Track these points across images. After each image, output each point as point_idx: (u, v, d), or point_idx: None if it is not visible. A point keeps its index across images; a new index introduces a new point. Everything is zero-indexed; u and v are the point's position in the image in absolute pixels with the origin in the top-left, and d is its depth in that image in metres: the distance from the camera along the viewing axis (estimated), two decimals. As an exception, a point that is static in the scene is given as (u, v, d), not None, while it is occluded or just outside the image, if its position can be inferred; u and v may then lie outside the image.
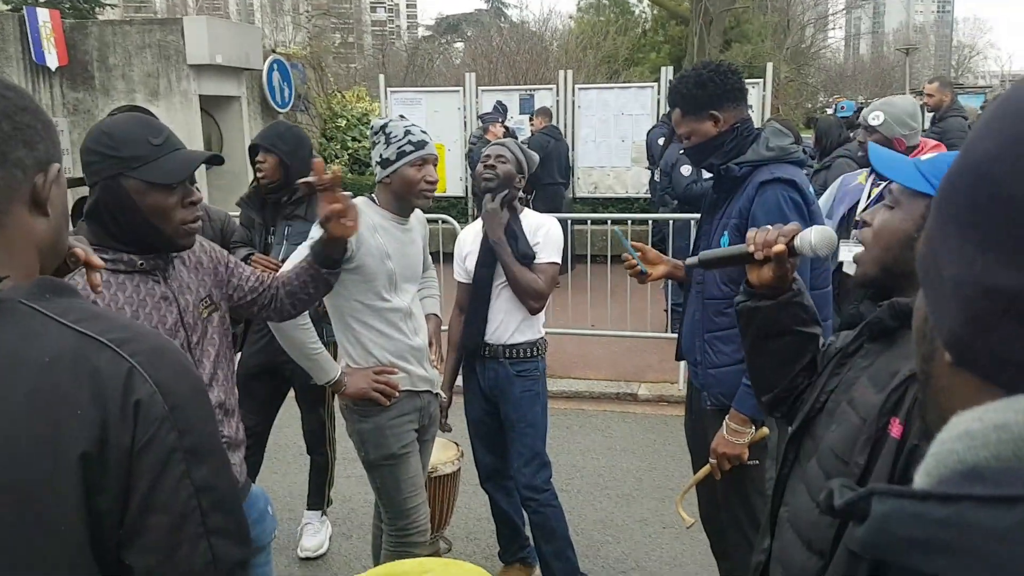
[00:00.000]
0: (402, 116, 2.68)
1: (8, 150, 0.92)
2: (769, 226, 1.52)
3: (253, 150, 3.30)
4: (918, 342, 0.55)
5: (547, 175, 8.44)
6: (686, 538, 3.69)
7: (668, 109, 8.78)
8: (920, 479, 0.48)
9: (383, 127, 2.59)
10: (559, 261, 2.96)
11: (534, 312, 2.95)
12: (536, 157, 3.05)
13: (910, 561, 0.44)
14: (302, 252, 2.36)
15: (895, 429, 1.19)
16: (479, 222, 3.09)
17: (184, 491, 0.93)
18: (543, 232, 2.96)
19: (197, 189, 1.84)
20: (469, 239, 3.12)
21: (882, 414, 1.22)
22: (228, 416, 1.95)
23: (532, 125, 8.79)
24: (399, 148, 2.55)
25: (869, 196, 3.39)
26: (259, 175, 3.30)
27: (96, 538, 0.89)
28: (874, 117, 3.56)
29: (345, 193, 2.05)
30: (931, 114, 6.36)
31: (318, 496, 3.74)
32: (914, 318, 0.55)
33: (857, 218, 1.47)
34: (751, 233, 1.53)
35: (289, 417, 3.83)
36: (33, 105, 0.97)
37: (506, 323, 2.98)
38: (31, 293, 0.92)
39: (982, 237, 0.46)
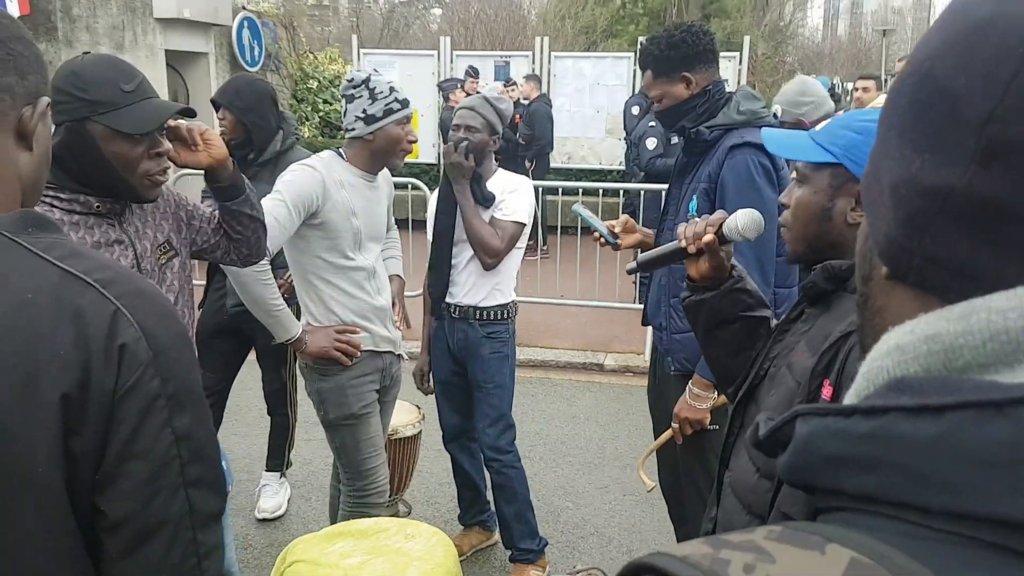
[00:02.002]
0: (376, 70, 2.60)
1: (1, 73, 0.89)
2: (697, 218, 1.54)
3: (215, 106, 3.22)
4: (859, 265, 0.53)
5: (549, 145, 8.48)
6: (645, 505, 3.72)
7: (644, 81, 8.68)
8: (848, 399, 0.46)
9: (365, 81, 2.52)
10: (525, 223, 2.92)
11: (487, 267, 2.89)
12: (510, 105, 2.96)
13: (834, 481, 0.42)
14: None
15: (826, 391, 1.21)
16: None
17: (165, 439, 0.90)
18: (514, 192, 2.92)
19: (165, 139, 1.77)
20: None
21: (814, 376, 1.23)
22: None
23: (521, 92, 8.69)
24: (386, 105, 2.51)
25: None
26: (220, 131, 3.21)
27: (70, 483, 0.86)
28: (775, 112, 3.68)
29: (180, 122, 1.89)
30: None
31: (278, 458, 3.71)
32: (857, 243, 0.54)
33: (779, 201, 1.47)
34: (680, 228, 1.54)
35: (250, 378, 3.78)
36: (27, 36, 0.94)
37: (477, 285, 2.95)
38: (13, 225, 0.89)
39: (920, 136, 0.44)
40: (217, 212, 2.05)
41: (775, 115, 3.63)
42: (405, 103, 2.56)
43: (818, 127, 1.39)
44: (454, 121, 2.90)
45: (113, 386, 0.87)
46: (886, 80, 6.81)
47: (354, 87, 2.53)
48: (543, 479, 3.93)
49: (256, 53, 9.99)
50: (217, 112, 3.20)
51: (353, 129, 2.53)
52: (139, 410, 0.88)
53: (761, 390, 1.44)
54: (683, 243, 1.52)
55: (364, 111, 2.50)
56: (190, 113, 1.85)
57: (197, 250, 2.01)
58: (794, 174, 1.40)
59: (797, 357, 1.34)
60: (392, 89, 2.54)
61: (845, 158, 1.29)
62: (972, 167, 0.41)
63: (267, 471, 3.72)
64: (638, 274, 1.80)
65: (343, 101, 2.57)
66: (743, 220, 1.47)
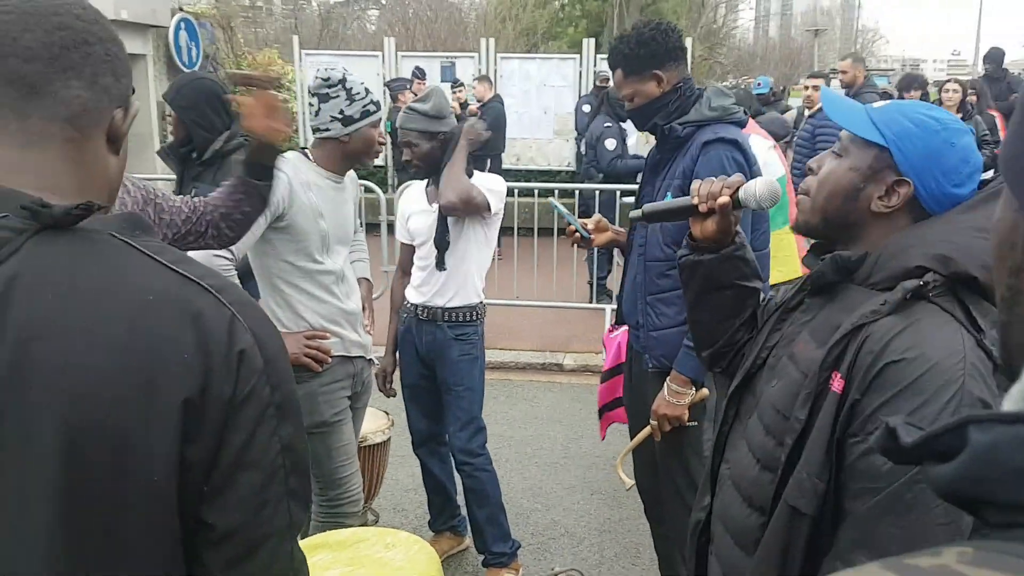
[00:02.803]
0: (347, 69, 2.54)
1: (99, 73, 0.89)
2: (713, 178, 1.50)
3: (166, 105, 3.17)
4: (1003, 255, 0.49)
5: (503, 145, 8.43)
6: (614, 504, 3.72)
7: (595, 81, 8.75)
8: (1012, 405, 0.43)
9: (342, 81, 2.47)
10: (491, 207, 2.87)
11: (445, 209, 2.81)
12: (435, 97, 2.89)
13: (1017, 494, 0.40)
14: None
15: (836, 383, 1.19)
16: (420, 183, 3.02)
17: (273, 449, 0.89)
18: (494, 181, 2.94)
19: None
20: (412, 199, 3.03)
21: (823, 368, 1.21)
22: None
23: (475, 93, 8.63)
24: (364, 107, 2.47)
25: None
26: (170, 131, 3.19)
27: (180, 492, 0.84)
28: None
29: (270, 92, 1.97)
30: (844, 90, 6.53)
31: None
32: (997, 232, 0.50)
33: (808, 164, 1.44)
34: (695, 185, 1.50)
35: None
36: (121, 41, 0.94)
37: (445, 286, 2.91)
38: (122, 227, 0.86)
39: None
40: (187, 200, 1.98)
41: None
42: (379, 105, 2.54)
43: (876, 104, 1.35)
44: (400, 139, 2.91)
45: (232, 393, 0.85)
46: (829, 77, 6.98)
47: (330, 87, 2.46)
48: (510, 481, 3.90)
49: (194, 54, 9.73)
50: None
51: (328, 130, 2.47)
52: (253, 418, 0.87)
53: (758, 380, 1.43)
54: (695, 200, 1.48)
55: (341, 112, 2.45)
56: None
57: (168, 243, 1.93)
58: (836, 144, 1.36)
59: (800, 348, 1.33)
60: (367, 91, 2.51)
61: (894, 144, 1.25)
62: None
63: None
64: (640, 220, 1.74)
65: (314, 100, 2.50)
66: (761, 188, 1.44)
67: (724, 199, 1.45)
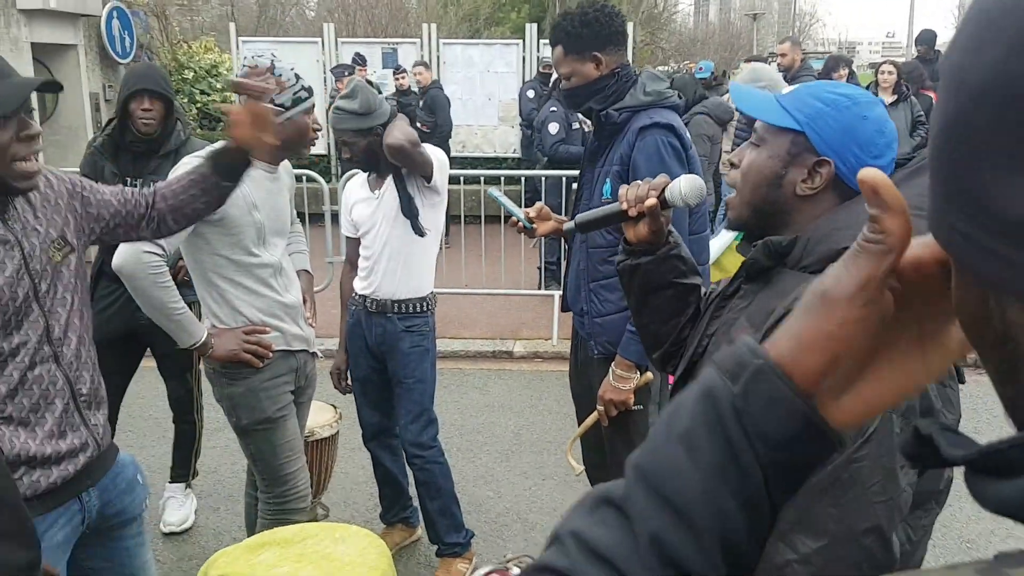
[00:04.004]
0: (275, 55, 2.48)
1: None
2: (639, 181, 1.51)
3: (132, 96, 3.02)
4: (981, 333, 0.44)
5: (449, 128, 8.35)
6: (565, 488, 3.74)
7: (539, 67, 8.70)
8: None
9: (270, 69, 2.39)
10: (434, 172, 2.81)
11: (390, 151, 2.69)
12: (359, 91, 2.83)
13: None
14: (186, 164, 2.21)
15: None
16: (362, 175, 2.97)
17: None
18: (434, 153, 2.85)
19: (34, 121, 1.62)
20: (355, 190, 2.97)
21: None
22: (86, 370, 1.76)
23: (416, 79, 8.52)
24: (295, 94, 2.40)
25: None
26: (144, 122, 3.04)
27: None
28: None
29: (264, 105, 1.93)
30: (783, 73, 6.64)
31: (183, 467, 3.52)
32: (964, 313, 0.46)
33: (726, 160, 1.46)
34: (622, 191, 1.51)
35: (142, 385, 3.57)
36: None
37: (393, 277, 2.87)
38: None
39: None
40: (118, 190, 1.90)
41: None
42: (310, 91, 2.47)
43: (784, 91, 1.36)
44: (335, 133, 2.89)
45: None
46: (768, 60, 7.08)
47: (257, 76, 2.39)
48: (462, 470, 3.89)
49: (128, 44, 9.43)
50: (133, 102, 3.03)
51: None
52: None
53: (700, 368, 1.44)
54: (624, 206, 1.49)
55: (271, 101, 2.37)
56: (54, 87, 1.74)
57: (95, 238, 1.86)
58: (752, 135, 1.37)
59: (738, 334, 1.34)
60: (298, 77, 2.44)
61: (808, 127, 1.27)
62: None
63: (171, 482, 3.52)
64: (572, 233, 1.75)
65: None
66: (687, 186, 1.44)
67: (651, 201, 1.46)
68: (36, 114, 1.67)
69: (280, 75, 2.39)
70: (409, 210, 2.82)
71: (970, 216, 0.40)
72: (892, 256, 0.48)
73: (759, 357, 0.52)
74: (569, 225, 1.70)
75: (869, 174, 0.48)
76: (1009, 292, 0.40)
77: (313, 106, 2.48)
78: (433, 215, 2.91)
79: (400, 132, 2.69)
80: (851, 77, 7.56)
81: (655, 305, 1.58)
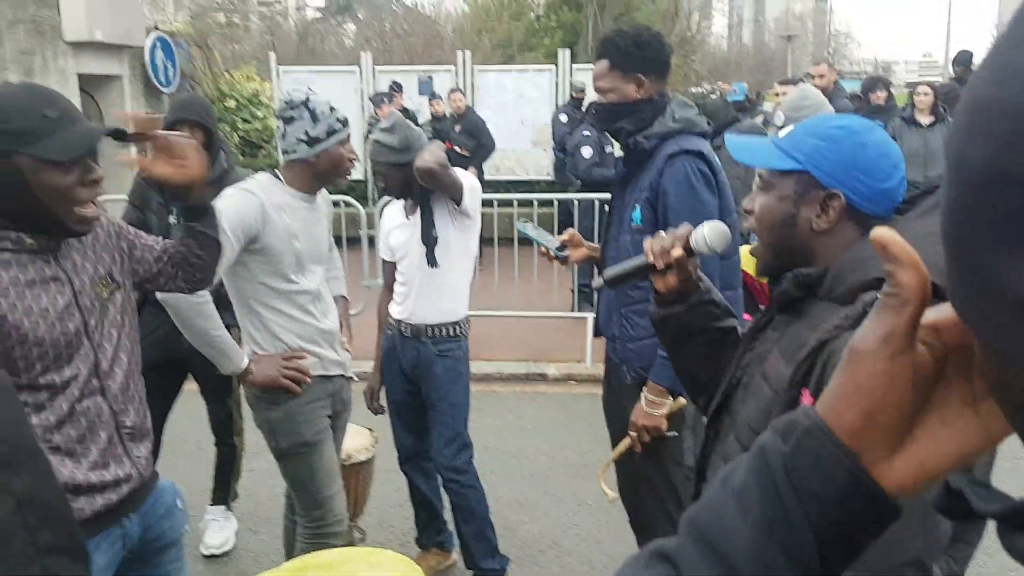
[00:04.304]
0: (311, 89, 2.55)
1: None
2: (663, 232, 1.52)
3: (173, 126, 3.10)
4: (1002, 397, 0.45)
5: (492, 145, 8.53)
6: (601, 515, 3.72)
7: (571, 92, 8.71)
8: None
9: (305, 102, 2.46)
10: (464, 197, 2.85)
11: (420, 172, 2.73)
12: (395, 124, 2.91)
13: None
14: None
15: (806, 400, 1.19)
16: (399, 201, 3.02)
17: (5, 508, 0.79)
18: (465, 178, 2.89)
19: (98, 166, 1.69)
20: (393, 215, 3.03)
21: (792, 385, 1.22)
22: (131, 403, 1.81)
23: (452, 104, 8.65)
24: (329, 126, 2.46)
25: None
26: None
27: None
28: (777, 119, 3.77)
29: (163, 133, 1.86)
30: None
31: (223, 490, 3.58)
32: (984, 376, 0.47)
33: (743, 207, 1.47)
34: (647, 243, 1.52)
35: (183, 409, 3.64)
36: None
37: (428, 301, 2.91)
38: None
39: None
40: (160, 240, 1.96)
41: (775, 123, 3.68)
42: (345, 122, 2.53)
43: (781, 133, 1.38)
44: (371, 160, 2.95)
45: None
46: (798, 82, 7.05)
47: (293, 109, 2.46)
48: (496, 494, 3.89)
49: (170, 74, 9.70)
50: (174, 130, 3.09)
51: (295, 152, 2.47)
52: None
53: (735, 400, 1.44)
54: (650, 258, 1.50)
55: (306, 133, 2.44)
56: (120, 135, 1.78)
57: (138, 280, 1.92)
58: (757, 180, 1.40)
59: (771, 366, 1.33)
60: (332, 109, 2.49)
61: (810, 164, 1.28)
62: None
63: (211, 504, 3.58)
64: (601, 289, 1.78)
65: (280, 123, 2.51)
66: (710, 233, 1.46)
67: (677, 252, 1.47)
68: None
69: (315, 108, 2.46)
70: (428, 239, 2.88)
71: (980, 292, 0.41)
72: (910, 308, 0.49)
73: (809, 416, 0.53)
74: (598, 281, 1.72)
75: (878, 232, 0.49)
76: (1016, 365, 0.40)
77: (348, 136, 2.53)
78: (465, 239, 2.95)
79: (430, 155, 2.74)
80: (890, 98, 7.51)
81: (692, 351, 1.58)
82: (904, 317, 0.49)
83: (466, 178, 2.88)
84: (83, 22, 8.18)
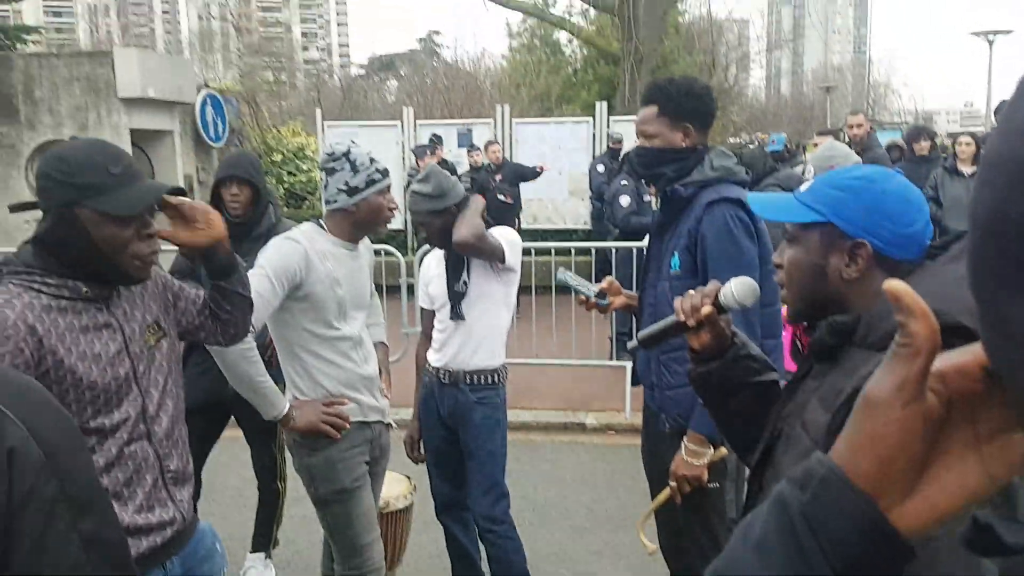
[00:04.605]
0: (354, 142, 2.63)
1: None
2: (692, 291, 1.53)
3: (222, 182, 3.23)
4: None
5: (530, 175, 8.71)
6: (640, 569, 3.65)
7: (608, 142, 8.80)
8: None
9: (346, 154, 2.54)
10: (505, 255, 2.89)
11: (458, 247, 2.82)
12: (431, 174, 2.98)
13: None
14: None
15: None
16: (438, 252, 3.06)
17: (72, 547, 0.81)
18: (508, 234, 2.95)
19: (155, 221, 1.76)
20: (432, 265, 3.08)
21: (829, 434, 1.20)
22: (175, 449, 1.85)
23: (489, 156, 8.83)
24: (368, 176, 2.52)
25: None
26: (232, 206, 3.22)
27: None
28: (807, 171, 3.79)
29: (184, 199, 1.89)
30: (854, 147, 6.60)
31: (264, 536, 3.59)
32: (1015, 410, 0.50)
33: (773, 262, 1.49)
34: (677, 303, 1.53)
35: (225, 455, 3.68)
36: None
37: (466, 349, 2.93)
38: None
39: None
40: (202, 293, 2.02)
41: (806, 177, 3.73)
42: (385, 173, 2.58)
43: (802, 187, 1.39)
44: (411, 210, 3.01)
45: (7, 497, 0.77)
46: (840, 132, 7.05)
47: (334, 160, 2.54)
48: (534, 546, 3.84)
49: (220, 129, 10.02)
50: (223, 187, 3.22)
51: (335, 201, 2.53)
52: (40, 518, 0.79)
53: (776, 451, 1.43)
54: (682, 317, 1.51)
55: (346, 183, 2.51)
56: (180, 192, 1.84)
57: (181, 331, 1.98)
58: (784, 233, 1.40)
59: (811, 415, 1.33)
60: (372, 160, 2.56)
61: (833, 215, 1.29)
62: None
63: (252, 552, 3.59)
64: (638, 350, 1.79)
65: (323, 174, 2.59)
66: (739, 288, 1.47)
67: (707, 309, 1.49)
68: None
69: (356, 159, 2.52)
70: (452, 293, 2.91)
71: (997, 332, 0.44)
72: (922, 358, 0.51)
73: (824, 465, 0.55)
74: (632, 344, 1.73)
75: (890, 285, 0.52)
76: None
77: (388, 187, 2.58)
78: (506, 291, 2.99)
79: (467, 228, 2.80)
80: (933, 148, 7.45)
81: (735, 407, 1.58)
82: (916, 366, 0.51)
83: (505, 235, 2.93)
84: (136, 79, 8.51)
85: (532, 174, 8.86)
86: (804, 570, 0.53)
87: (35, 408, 0.83)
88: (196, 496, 3.40)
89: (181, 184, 9.18)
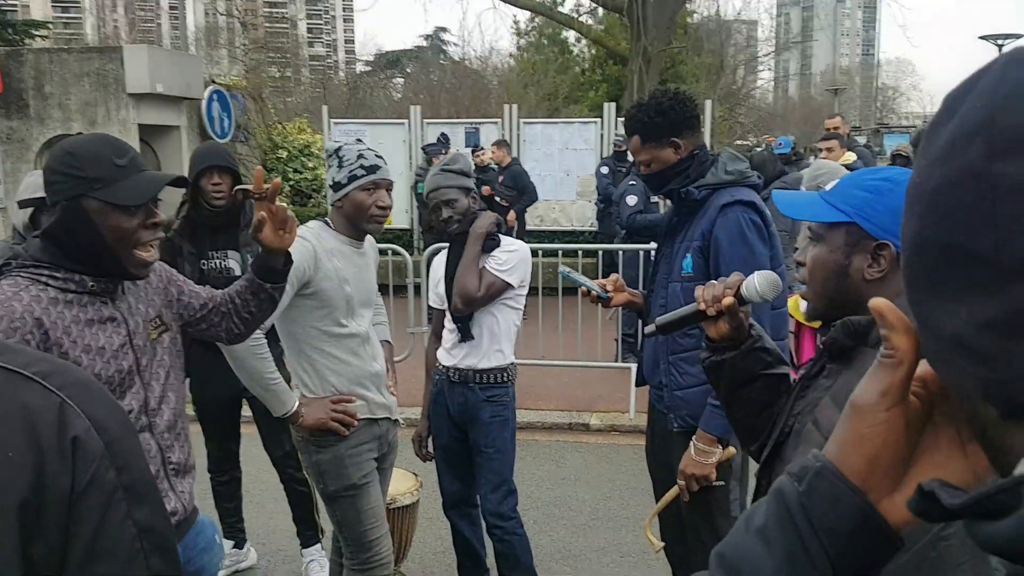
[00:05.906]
0: (359, 140, 2.64)
1: None
2: (715, 281, 1.56)
3: (203, 173, 3.19)
4: (967, 423, 0.55)
5: (534, 195, 8.68)
6: (644, 567, 3.66)
7: (616, 142, 8.86)
8: None
9: (336, 150, 2.56)
10: (512, 284, 2.92)
11: (456, 311, 2.89)
12: (461, 159, 3.01)
13: None
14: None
15: None
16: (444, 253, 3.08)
17: (128, 533, 0.85)
18: (514, 254, 2.94)
19: (159, 211, 1.78)
20: (440, 265, 3.09)
21: None
22: (178, 441, 1.88)
23: (492, 157, 8.81)
24: (350, 172, 2.51)
25: None
26: (215, 196, 3.21)
27: None
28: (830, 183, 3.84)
29: (281, 205, 1.98)
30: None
31: (309, 527, 3.58)
32: (955, 403, 0.56)
33: (795, 259, 1.50)
34: (699, 291, 1.56)
35: (249, 458, 3.71)
36: None
37: (476, 348, 2.95)
38: None
39: (951, 288, 0.48)
40: (208, 291, 2.05)
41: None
42: (372, 169, 2.52)
43: (828, 186, 1.41)
44: (432, 202, 2.93)
45: (70, 484, 0.80)
46: (831, 139, 7.06)
47: (328, 156, 2.58)
48: (538, 543, 3.85)
49: (225, 125, 10.04)
50: (202, 178, 3.19)
51: (328, 197, 2.57)
52: (100, 506, 0.83)
53: (787, 447, 1.44)
54: (702, 306, 1.53)
55: (333, 179, 2.54)
56: (182, 182, 1.88)
57: (183, 324, 2.00)
58: (807, 232, 1.42)
59: (823, 413, 1.34)
60: (360, 155, 2.52)
61: (858, 216, 1.30)
62: (1011, 288, 0.44)
63: (304, 547, 3.58)
64: (651, 335, 1.81)
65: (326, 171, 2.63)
66: (761, 282, 1.49)
67: (728, 300, 1.51)
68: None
69: (344, 155, 2.52)
70: (457, 318, 2.94)
71: (928, 336, 0.51)
72: (904, 368, 0.57)
73: (819, 460, 0.60)
74: (650, 328, 1.75)
75: (874, 303, 0.58)
76: (967, 396, 0.49)
77: (376, 184, 2.52)
78: (514, 293, 3.00)
79: (458, 296, 2.86)
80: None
81: (745, 398, 1.60)
82: (899, 375, 0.57)
83: (512, 255, 2.93)
84: (145, 75, 8.54)
85: (531, 193, 8.70)
86: (801, 555, 0.58)
87: (95, 400, 0.87)
88: (239, 472, 3.55)
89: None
